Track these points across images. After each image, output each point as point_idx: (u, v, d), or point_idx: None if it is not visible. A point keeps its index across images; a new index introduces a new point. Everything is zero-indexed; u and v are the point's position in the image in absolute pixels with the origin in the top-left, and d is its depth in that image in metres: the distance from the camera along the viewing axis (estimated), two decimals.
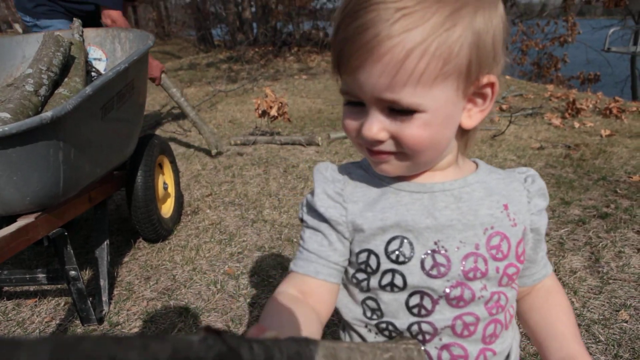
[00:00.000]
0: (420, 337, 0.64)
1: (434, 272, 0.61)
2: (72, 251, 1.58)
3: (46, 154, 1.37)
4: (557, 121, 4.46)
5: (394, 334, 0.65)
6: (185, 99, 3.48)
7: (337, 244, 0.65)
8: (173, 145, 3.80)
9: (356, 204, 0.65)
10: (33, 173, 1.36)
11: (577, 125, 4.37)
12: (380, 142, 0.58)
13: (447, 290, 0.62)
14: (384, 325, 0.65)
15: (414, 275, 0.62)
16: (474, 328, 0.63)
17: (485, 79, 0.57)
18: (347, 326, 0.71)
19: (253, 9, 12.28)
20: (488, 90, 0.59)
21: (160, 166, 2.43)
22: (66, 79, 2.05)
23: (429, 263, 0.61)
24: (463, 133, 0.64)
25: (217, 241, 2.28)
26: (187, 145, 3.96)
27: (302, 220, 0.70)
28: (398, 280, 0.62)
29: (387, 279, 0.63)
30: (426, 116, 0.56)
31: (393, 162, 0.61)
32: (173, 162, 2.53)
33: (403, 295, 0.63)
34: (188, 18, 16.26)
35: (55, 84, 1.95)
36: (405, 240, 0.62)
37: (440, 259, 0.61)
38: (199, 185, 3.04)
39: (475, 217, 0.63)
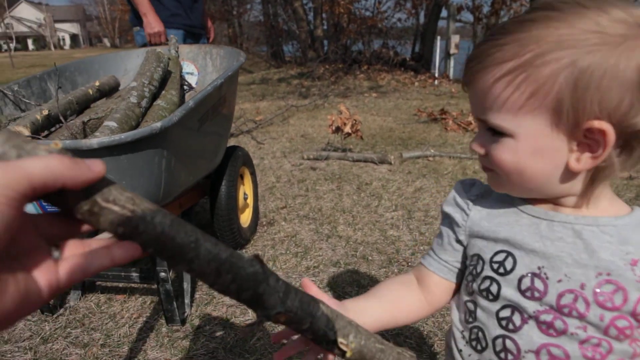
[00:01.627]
0: (502, 355, 0.64)
1: (528, 294, 0.62)
2: None
3: (152, 161, 1.47)
4: None
5: (479, 347, 0.68)
6: None
7: (448, 246, 0.76)
8: None
9: (479, 213, 0.72)
10: (139, 178, 1.46)
11: None
12: (483, 156, 0.65)
13: (538, 313, 0.61)
14: (475, 333, 0.69)
15: (508, 288, 0.64)
16: None
17: (595, 124, 0.54)
18: (450, 331, 0.77)
19: (325, 27, 12.55)
20: (599, 137, 0.55)
21: (242, 177, 2.52)
22: (163, 92, 2.19)
23: (525, 283, 0.63)
24: (588, 175, 0.60)
25: (293, 254, 2.32)
26: (261, 158, 4.08)
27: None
28: (493, 288, 0.66)
29: (485, 285, 0.67)
30: (513, 142, 0.60)
31: (493, 178, 0.67)
32: (253, 174, 2.62)
33: (496, 306, 0.66)
34: (261, 35, 16.91)
35: (154, 96, 2.09)
36: (510, 256, 0.65)
37: (538, 283, 0.62)
38: (273, 197, 3.12)
39: (590, 258, 0.59)
